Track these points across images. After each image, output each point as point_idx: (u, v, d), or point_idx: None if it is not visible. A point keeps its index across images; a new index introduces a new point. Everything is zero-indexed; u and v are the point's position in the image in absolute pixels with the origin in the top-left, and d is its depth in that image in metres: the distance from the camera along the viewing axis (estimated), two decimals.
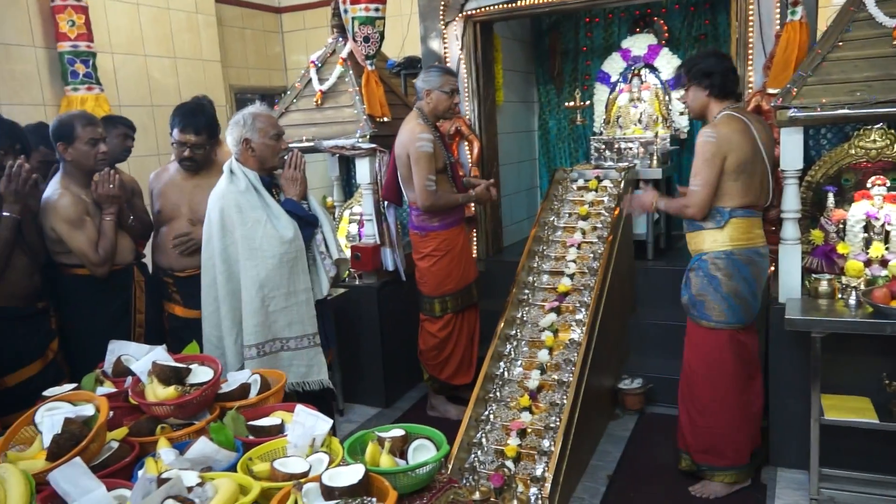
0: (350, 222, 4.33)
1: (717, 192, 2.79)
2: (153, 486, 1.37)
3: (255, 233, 2.63)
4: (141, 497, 1.33)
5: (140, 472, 1.47)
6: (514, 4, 4.17)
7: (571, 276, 3.59)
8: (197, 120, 3.00)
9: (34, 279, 2.76)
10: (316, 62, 4.02)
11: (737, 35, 3.75)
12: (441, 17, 4.35)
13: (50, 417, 1.63)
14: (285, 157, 2.81)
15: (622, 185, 4.02)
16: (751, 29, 3.59)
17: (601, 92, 5.35)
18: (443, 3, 4.32)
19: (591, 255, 3.67)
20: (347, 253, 3.79)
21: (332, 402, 3.37)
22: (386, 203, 3.84)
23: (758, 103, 3.34)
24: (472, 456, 2.96)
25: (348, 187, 4.63)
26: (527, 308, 3.57)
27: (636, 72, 5.14)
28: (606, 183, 4.09)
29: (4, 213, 2.62)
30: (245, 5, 6.73)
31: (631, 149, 4.79)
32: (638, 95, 5.11)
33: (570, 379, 3.13)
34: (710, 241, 2.86)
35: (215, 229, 2.67)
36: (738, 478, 2.99)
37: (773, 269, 3.17)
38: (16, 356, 2.68)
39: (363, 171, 3.84)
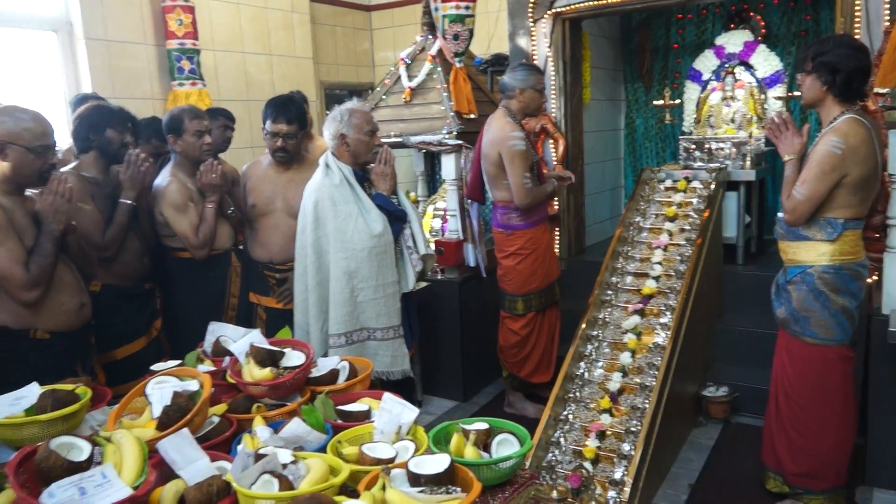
0: (433, 217, 4.39)
1: (829, 203, 2.56)
2: (251, 461, 1.45)
3: (347, 226, 2.72)
4: (240, 470, 1.42)
5: (239, 447, 1.55)
6: (604, 1, 4.11)
7: (657, 279, 3.52)
8: (288, 110, 3.09)
9: (143, 261, 2.96)
10: (405, 59, 4.10)
11: (841, 32, 3.56)
12: (530, 15, 4.34)
13: (159, 390, 1.75)
14: (376, 153, 2.89)
15: (713, 186, 3.91)
16: (857, 25, 3.41)
17: (692, 90, 5.19)
18: (532, 0, 4.31)
19: (678, 258, 3.59)
20: (431, 247, 3.85)
21: (412, 393, 3.45)
22: (469, 199, 3.87)
23: (863, 103, 3.16)
24: (550, 455, 2.96)
25: (432, 183, 4.70)
26: (609, 309, 3.53)
27: (730, 69, 4.95)
28: (696, 184, 3.98)
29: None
30: (337, 3, 6.92)
31: (722, 149, 4.64)
32: (731, 94, 4.93)
33: (653, 383, 3.07)
34: (817, 254, 2.63)
35: (309, 220, 2.78)
36: (835, 501, 2.81)
37: (875, 278, 3.01)
38: (124, 332, 2.89)
39: (448, 167, 3.88)
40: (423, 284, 3.98)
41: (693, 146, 4.77)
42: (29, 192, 2.37)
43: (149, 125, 3.41)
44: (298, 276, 2.88)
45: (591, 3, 4.15)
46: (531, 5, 4.31)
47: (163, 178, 3.09)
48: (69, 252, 2.42)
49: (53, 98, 4.50)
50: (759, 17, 5.06)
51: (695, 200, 3.87)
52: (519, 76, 3.51)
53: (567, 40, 4.41)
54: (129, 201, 2.85)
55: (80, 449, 1.40)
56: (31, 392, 1.72)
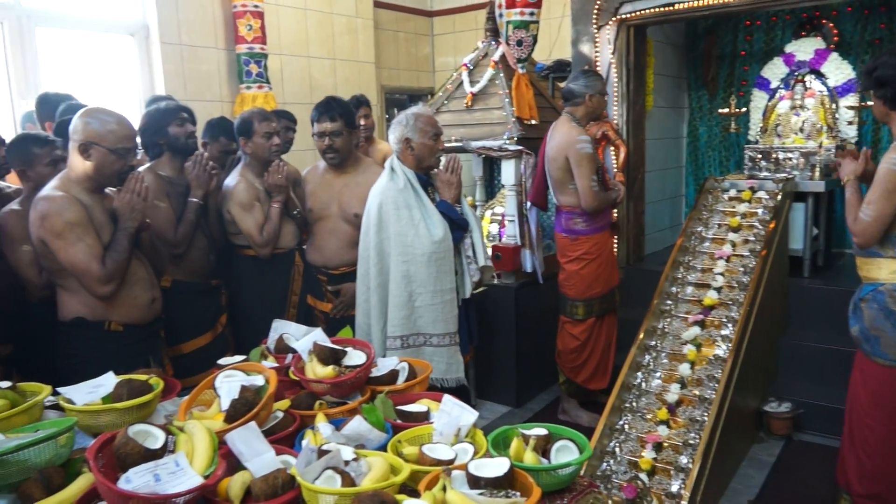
0: (491, 222, 4.40)
1: None
2: (314, 457, 1.49)
3: (408, 230, 2.75)
4: (304, 464, 1.45)
5: (304, 443, 1.59)
6: (671, 7, 4.05)
7: (719, 290, 3.45)
8: (330, 109, 3.12)
9: (210, 258, 3.07)
10: (468, 65, 4.12)
11: None
12: (594, 21, 4.31)
13: (227, 383, 1.80)
14: (442, 158, 2.91)
15: (779, 197, 3.79)
16: None
17: (759, 98, 5.06)
18: (596, 6, 4.28)
19: (741, 269, 3.50)
20: (490, 261, 3.85)
21: (466, 397, 3.46)
22: (529, 205, 3.87)
23: None
24: (605, 464, 2.92)
25: (491, 188, 4.71)
26: (668, 319, 3.47)
27: (800, 78, 4.81)
28: (761, 194, 3.88)
29: (190, 199, 2.94)
30: (400, 9, 7.01)
31: (790, 159, 4.49)
32: (801, 103, 4.78)
33: (713, 396, 3.00)
34: (889, 271, 2.55)
35: (372, 223, 2.82)
36: None
37: None
38: (191, 326, 3.00)
39: (508, 172, 3.89)
40: (480, 289, 4.00)
41: (759, 155, 4.64)
42: (107, 189, 2.48)
43: (218, 124, 3.52)
44: (361, 278, 2.92)
45: (657, 9, 4.10)
46: (596, 12, 4.28)
47: (232, 178, 3.20)
48: (142, 248, 2.53)
49: (130, 100, 4.71)
50: (831, 24, 4.89)
51: (760, 211, 3.77)
52: (586, 82, 3.54)
53: (631, 47, 4.36)
54: (196, 200, 2.96)
55: (156, 437, 1.46)
56: (108, 381, 1.80)
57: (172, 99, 3.77)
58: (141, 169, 2.78)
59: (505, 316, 4.04)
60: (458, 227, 2.87)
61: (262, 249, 3.17)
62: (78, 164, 2.34)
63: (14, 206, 2.63)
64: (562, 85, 5.53)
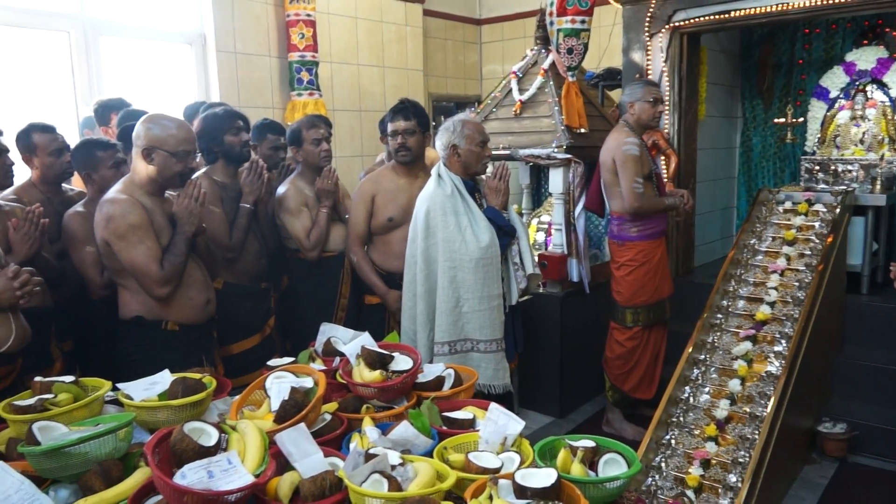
0: (537, 231, 4.38)
1: None
2: (361, 460, 1.50)
3: (456, 236, 2.76)
4: (352, 467, 1.47)
5: (352, 446, 1.61)
6: (727, 15, 3.98)
7: (772, 305, 3.36)
8: (405, 108, 3.18)
9: (261, 262, 3.14)
10: (517, 73, 4.12)
11: None
12: (646, 29, 4.26)
13: (278, 384, 1.84)
14: (489, 165, 2.92)
15: (838, 210, 3.68)
16: None
17: (817, 108, 4.92)
18: (649, 14, 4.23)
19: (797, 284, 3.40)
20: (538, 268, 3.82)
21: (509, 406, 3.45)
22: (576, 214, 3.84)
23: None
24: (650, 479, 2.87)
25: (537, 196, 4.69)
26: (718, 333, 3.40)
27: (861, 87, 4.66)
28: (818, 207, 3.77)
29: (242, 204, 3.01)
30: (449, 17, 7.06)
31: (850, 171, 4.36)
32: (861, 113, 4.63)
33: (765, 414, 2.92)
34: None
35: (420, 229, 2.84)
36: None
37: None
38: (241, 328, 3.06)
39: (556, 180, 3.87)
40: (526, 297, 3.97)
41: (816, 167, 4.51)
42: (167, 193, 2.56)
43: (262, 125, 3.58)
44: (407, 284, 2.95)
45: (712, 17, 4.03)
46: (648, 19, 4.23)
47: (283, 186, 3.30)
48: (198, 252, 2.60)
49: (185, 106, 4.84)
50: (895, 32, 4.73)
51: (817, 224, 3.66)
52: (629, 91, 3.61)
53: (684, 55, 4.30)
54: (248, 206, 3.02)
55: (209, 435, 1.49)
56: (164, 378, 1.85)
57: (226, 105, 3.88)
58: (197, 174, 2.86)
59: (550, 325, 4.01)
60: (505, 233, 2.87)
61: (309, 253, 3.25)
62: (141, 168, 2.42)
63: (78, 208, 2.74)
64: (611, 93, 5.54)
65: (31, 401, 1.70)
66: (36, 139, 2.82)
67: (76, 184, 3.14)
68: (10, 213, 2.56)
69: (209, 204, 2.84)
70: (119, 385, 1.81)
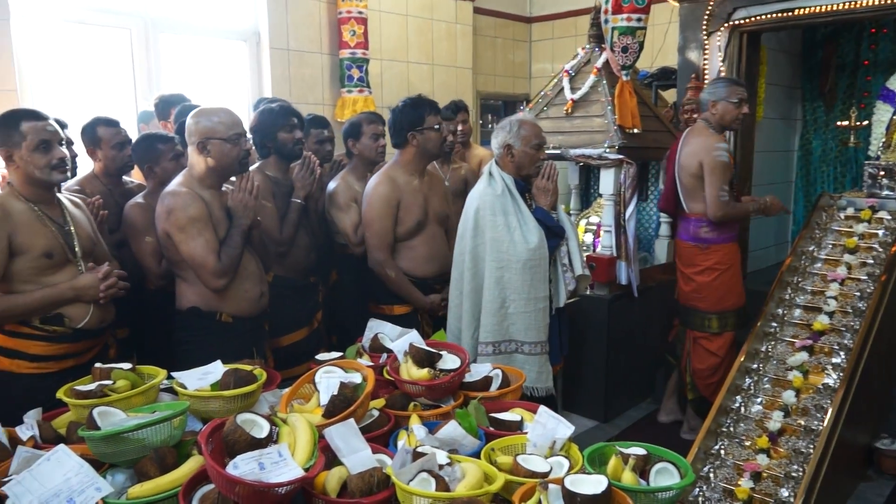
0: (585, 232, 4.33)
1: None
2: (409, 458, 1.50)
3: (504, 236, 2.73)
4: (399, 465, 1.47)
5: (400, 444, 1.61)
6: (789, 13, 3.85)
7: (830, 315, 3.24)
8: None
9: (311, 256, 3.17)
10: (570, 71, 4.07)
11: None
12: (704, 27, 4.16)
13: (327, 379, 1.86)
14: (539, 166, 2.88)
15: None
16: None
17: (883, 111, 4.70)
18: (707, 12, 4.13)
19: (857, 294, 3.27)
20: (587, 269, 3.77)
21: (552, 408, 3.41)
22: (627, 216, 3.77)
23: None
24: (698, 490, 2.80)
25: (586, 197, 4.63)
26: (773, 342, 3.29)
27: None
28: (883, 214, 3.62)
29: (293, 199, 3.05)
30: (499, 15, 7.02)
31: None
32: None
33: (820, 427, 2.82)
34: None
35: (469, 227, 2.82)
36: None
37: None
38: (289, 321, 3.10)
39: (607, 181, 3.80)
40: (573, 299, 3.93)
41: (881, 172, 4.31)
42: (224, 187, 2.61)
43: (308, 119, 3.61)
44: (454, 282, 2.93)
45: (774, 14, 3.91)
46: (706, 17, 4.13)
47: (333, 181, 3.33)
48: (253, 245, 2.64)
49: (239, 102, 4.93)
50: None
51: (881, 232, 3.51)
52: (711, 89, 3.47)
53: (743, 54, 4.19)
54: (298, 200, 3.06)
55: (261, 427, 1.51)
56: (216, 369, 1.89)
57: (280, 101, 3.93)
58: (251, 169, 2.91)
59: (596, 328, 3.95)
60: (554, 234, 2.82)
61: (357, 248, 3.26)
62: (199, 162, 2.48)
63: (139, 199, 2.82)
64: (664, 93, 5.43)
65: (92, 386, 1.75)
66: (101, 132, 2.92)
67: (135, 176, 3.23)
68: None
69: (261, 198, 2.88)
70: (174, 374, 1.86)
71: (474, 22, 6.53)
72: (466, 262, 2.83)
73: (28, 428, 1.73)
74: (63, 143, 2.25)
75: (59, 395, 1.75)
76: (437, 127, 3.03)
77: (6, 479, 1.46)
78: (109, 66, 4.35)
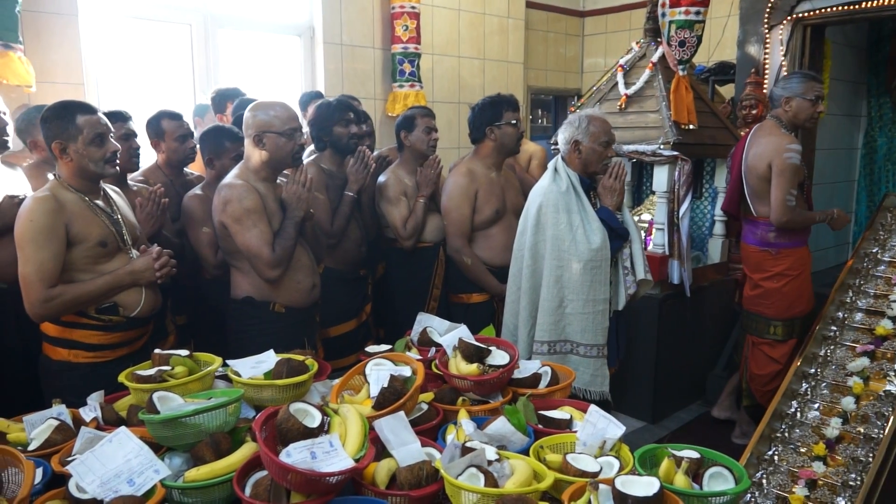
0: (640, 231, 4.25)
1: None
2: (458, 453, 1.50)
3: (566, 234, 2.67)
4: (448, 460, 1.47)
5: (449, 438, 1.61)
6: (856, 6, 3.70)
7: (894, 319, 3.11)
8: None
9: (361, 249, 3.21)
10: (624, 66, 4.00)
11: None
12: (765, 21, 4.03)
13: (377, 371, 1.87)
14: (607, 164, 2.81)
15: None
16: None
17: None
18: (769, 4, 4.00)
19: None
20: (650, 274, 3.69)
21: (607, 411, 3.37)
22: (681, 213, 3.69)
23: None
24: (750, 496, 2.73)
25: (638, 194, 4.55)
26: (832, 347, 3.18)
27: None
28: None
29: (346, 192, 3.09)
30: (551, 9, 6.95)
31: None
32: None
33: (881, 436, 2.72)
34: None
35: (530, 223, 2.77)
36: None
37: None
38: (339, 312, 3.14)
39: (661, 178, 3.72)
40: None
41: None
42: (279, 179, 2.66)
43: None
44: (512, 277, 2.89)
45: (840, 7, 3.76)
46: (768, 10, 4.00)
47: (384, 175, 3.35)
48: (306, 237, 2.68)
49: (293, 96, 5.01)
50: None
51: None
52: (784, 84, 3.32)
53: (806, 48, 4.04)
54: (351, 194, 3.10)
55: (313, 416, 1.53)
56: (269, 358, 1.92)
57: (322, 96, 3.98)
58: (306, 162, 2.96)
59: (646, 328, 3.88)
60: (618, 235, 2.74)
61: (405, 242, 3.28)
62: (254, 154, 2.52)
63: (197, 191, 2.90)
64: (721, 89, 5.29)
65: (151, 371, 1.81)
66: (164, 125, 3.00)
67: (194, 168, 3.32)
68: (136, 192, 2.75)
69: (315, 190, 2.92)
70: (229, 362, 1.90)
71: (526, 16, 6.48)
72: (526, 259, 2.79)
73: (91, 410, 1.81)
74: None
75: (121, 378, 1.81)
76: (514, 122, 3.13)
77: (70, 458, 1.52)
78: (170, 61, 4.48)
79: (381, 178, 3.35)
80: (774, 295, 3.41)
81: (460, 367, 1.99)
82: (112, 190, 2.43)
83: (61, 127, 2.17)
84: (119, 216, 2.33)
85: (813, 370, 3.11)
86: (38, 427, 1.70)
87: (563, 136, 2.79)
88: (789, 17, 3.96)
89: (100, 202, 2.30)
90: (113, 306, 2.26)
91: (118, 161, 2.30)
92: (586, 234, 2.65)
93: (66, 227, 2.16)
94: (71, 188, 2.23)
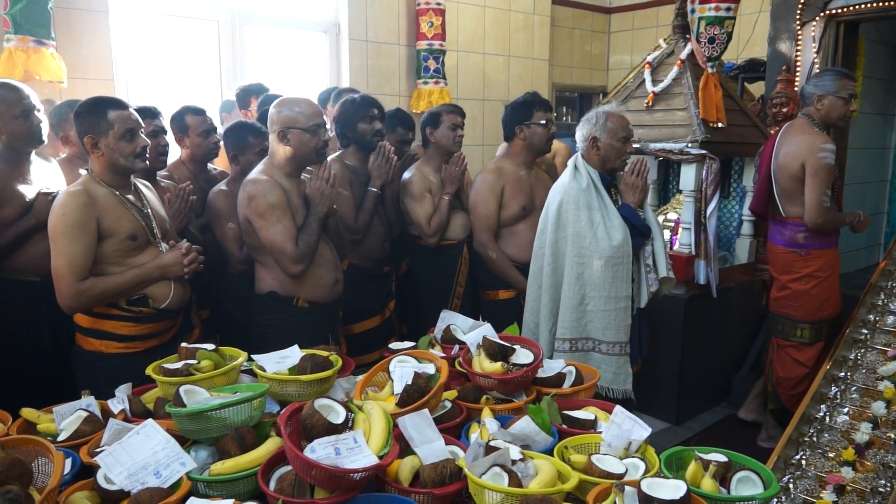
0: (663, 228, 4.20)
1: None
2: (482, 452, 1.49)
3: (587, 231, 2.66)
4: (472, 458, 1.46)
5: (473, 437, 1.61)
6: (893, 2, 3.61)
7: None
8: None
9: (385, 246, 3.21)
10: (652, 63, 3.95)
11: None
12: (797, 17, 3.96)
13: (401, 368, 1.87)
14: (627, 161, 2.80)
15: None
16: None
17: None
18: (801, 1, 3.93)
19: None
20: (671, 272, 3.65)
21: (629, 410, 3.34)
22: (708, 213, 3.64)
23: None
24: (777, 501, 2.69)
25: (664, 192, 4.49)
26: (863, 350, 3.11)
27: None
28: None
29: (369, 188, 3.09)
30: (577, 6, 6.90)
31: None
32: None
33: None
34: None
35: (550, 221, 2.76)
36: None
37: None
38: (362, 308, 3.15)
39: (688, 177, 3.67)
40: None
41: None
42: (302, 175, 2.67)
43: (395, 115, 3.64)
44: (533, 275, 2.89)
45: (875, 4, 3.68)
46: (801, 6, 3.93)
47: (409, 171, 3.36)
48: (329, 232, 2.69)
49: (318, 93, 5.02)
50: None
51: None
52: (816, 81, 3.26)
53: (839, 46, 3.96)
54: (375, 189, 3.10)
55: (338, 413, 1.53)
56: (294, 353, 1.93)
57: (356, 91, 3.98)
58: (330, 158, 2.96)
59: (671, 328, 3.84)
60: (640, 233, 2.72)
61: (429, 239, 3.28)
62: (279, 150, 2.54)
63: (222, 186, 2.92)
64: (750, 86, 5.20)
65: (178, 365, 1.83)
66: (188, 120, 3.03)
67: (217, 163, 3.34)
68: (164, 188, 2.78)
69: (339, 187, 2.93)
70: (254, 357, 1.91)
71: (552, 13, 6.44)
72: (546, 257, 2.78)
73: (119, 402, 1.83)
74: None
75: (149, 371, 1.83)
76: (544, 122, 3.14)
77: (98, 450, 1.54)
78: (197, 57, 4.52)
79: (406, 175, 3.34)
80: (802, 297, 3.36)
81: (484, 365, 1.98)
82: (142, 184, 2.46)
83: (93, 122, 2.20)
84: (149, 210, 2.37)
85: (843, 374, 3.05)
86: (67, 418, 1.73)
87: (580, 133, 2.78)
88: (822, 14, 3.88)
89: (130, 196, 2.33)
90: (143, 298, 2.29)
91: (147, 156, 2.32)
92: (607, 231, 2.64)
93: (97, 220, 2.19)
94: (103, 182, 2.26)
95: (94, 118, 2.20)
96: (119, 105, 2.26)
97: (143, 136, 2.29)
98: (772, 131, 3.75)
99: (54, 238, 2.15)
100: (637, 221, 2.71)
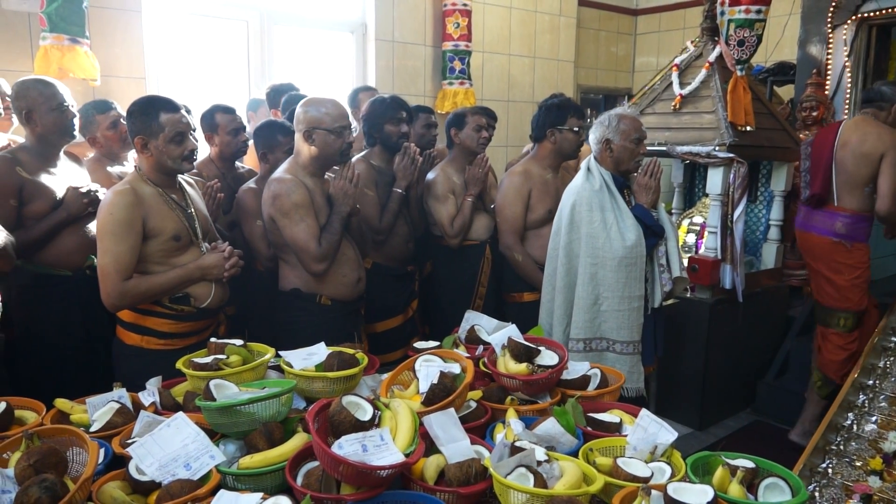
0: (688, 232, 4.17)
1: None
2: (507, 452, 1.50)
3: (600, 232, 2.68)
4: (498, 458, 1.47)
5: (499, 437, 1.61)
6: None
7: None
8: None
9: (409, 246, 3.22)
10: (679, 65, 3.93)
11: None
12: (829, 20, 3.91)
13: (426, 367, 1.88)
14: (639, 162, 2.80)
15: None
16: None
17: None
18: (833, 4, 3.88)
19: None
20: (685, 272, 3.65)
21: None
22: (735, 217, 3.60)
23: None
24: None
25: (690, 196, 4.46)
26: (892, 358, 3.07)
27: None
28: None
29: (394, 189, 3.10)
30: (604, 7, 6.86)
31: None
32: None
33: None
34: None
35: (564, 222, 2.78)
36: None
37: None
38: (385, 308, 3.17)
39: (715, 181, 3.64)
40: (671, 301, 3.80)
41: None
42: (326, 175, 2.69)
43: (414, 107, 3.63)
44: (547, 277, 2.90)
45: None
46: (832, 9, 3.88)
47: (433, 172, 3.36)
48: (351, 231, 2.71)
49: (344, 93, 5.06)
50: None
51: None
52: (889, 87, 3.30)
53: (871, 49, 3.90)
54: (399, 190, 3.11)
55: (365, 410, 1.55)
56: (320, 350, 1.95)
57: (374, 90, 4.00)
58: (355, 158, 2.98)
59: (696, 332, 3.81)
60: (653, 233, 2.74)
61: (452, 240, 3.29)
62: (304, 149, 2.56)
63: (251, 184, 2.95)
64: (779, 90, 5.14)
65: (208, 359, 1.85)
66: (218, 119, 3.07)
67: (246, 161, 3.38)
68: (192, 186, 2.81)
69: (364, 187, 2.95)
70: (281, 353, 1.93)
71: (578, 14, 6.42)
72: (560, 258, 2.79)
73: (150, 395, 1.86)
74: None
75: (179, 365, 1.86)
76: (576, 130, 3.12)
77: (130, 441, 1.57)
78: (226, 57, 4.58)
79: (430, 176, 3.36)
80: (850, 289, 3.41)
81: (509, 366, 1.98)
82: (186, 182, 2.48)
83: (145, 123, 2.22)
84: (192, 210, 2.39)
85: (871, 382, 3.01)
86: (99, 409, 1.76)
87: (594, 136, 2.80)
88: (854, 17, 3.83)
89: (175, 196, 2.35)
90: (185, 297, 2.32)
91: (195, 158, 2.35)
92: (620, 232, 2.65)
93: (143, 220, 2.21)
94: (150, 182, 2.28)
95: (146, 119, 2.22)
96: (171, 107, 2.26)
97: (192, 138, 2.30)
98: (801, 135, 3.71)
99: (101, 236, 2.18)
100: (650, 222, 2.73)
